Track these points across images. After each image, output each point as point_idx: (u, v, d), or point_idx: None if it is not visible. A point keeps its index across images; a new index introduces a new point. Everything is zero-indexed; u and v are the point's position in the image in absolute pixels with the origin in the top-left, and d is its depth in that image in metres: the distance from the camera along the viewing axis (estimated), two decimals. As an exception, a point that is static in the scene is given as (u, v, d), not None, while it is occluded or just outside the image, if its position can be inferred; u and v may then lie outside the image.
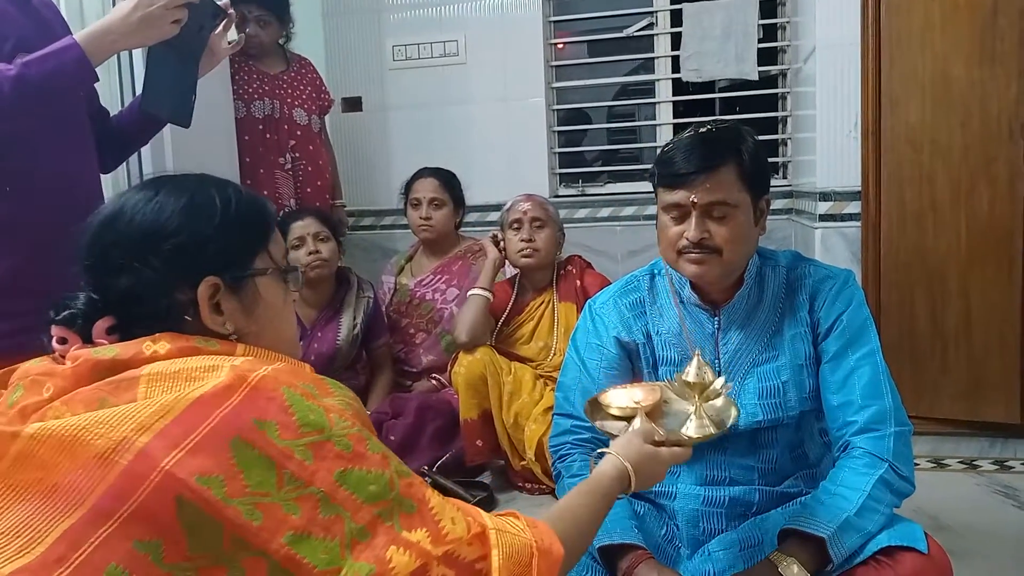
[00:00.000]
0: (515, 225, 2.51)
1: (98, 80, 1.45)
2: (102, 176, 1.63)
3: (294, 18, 2.92)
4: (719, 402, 1.21)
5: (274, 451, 0.71)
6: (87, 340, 0.82)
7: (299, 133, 2.89)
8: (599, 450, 1.11)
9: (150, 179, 0.90)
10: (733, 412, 1.20)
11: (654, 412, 1.20)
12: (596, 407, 1.25)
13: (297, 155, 2.88)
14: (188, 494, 0.68)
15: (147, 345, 0.79)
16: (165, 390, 0.74)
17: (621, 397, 1.24)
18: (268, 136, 2.83)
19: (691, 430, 1.17)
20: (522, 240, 2.48)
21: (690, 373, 1.19)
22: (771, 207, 1.44)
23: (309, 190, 2.91)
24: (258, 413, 0.72)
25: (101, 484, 0.68)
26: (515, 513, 0.88)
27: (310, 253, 2.49)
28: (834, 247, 2.61)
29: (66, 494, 0.68)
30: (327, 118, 3.14)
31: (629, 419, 1.19)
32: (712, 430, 1.17)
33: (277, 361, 0.82)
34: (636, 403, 1.20)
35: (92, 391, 0.74)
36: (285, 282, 0.92)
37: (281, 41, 2.94)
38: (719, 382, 1.19)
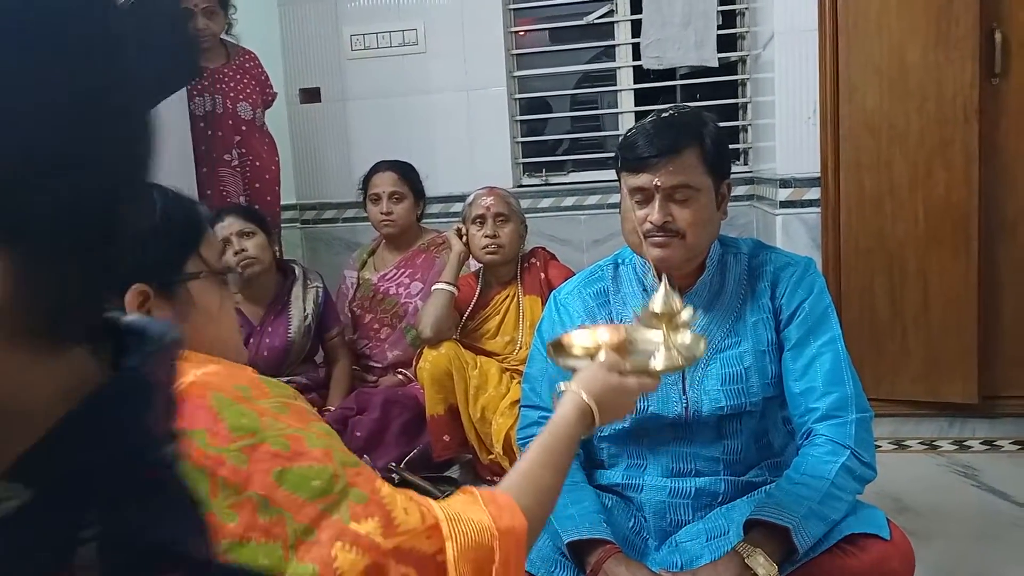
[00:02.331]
0: (478, 220, 2.47)
1: None
2: None
3: (235, 6, 2.86)
4: (687, 338, 1.14)
5: (204, 459, 0.67)
6: None
7: (244, 128, 2.83)
8: (559, 385, 1.05)
9: None
10: (702, 346, 1.14)
11: (620, 350, 1.13)
12: (559, 348, 1.19)
13: (244, 151, 2.82)
14: None
15: None
16: None
17: (584, 337, 1.19)
18: (210, 133, 2.76)
19: (659, 362, 1.11)
20: (486, 236, 2.45)
21: (656, 302, 1.14)
22: (732, 193, 1.44)
23: (258, 185, 2.86)
24: (185, 423, 0.67)
25: None
26: (469, 490, 0.84)
27: (236, 253, 2.38)
28: (795, 233, 2.63)
29: None
30: (285, 108, 3.08)
31: (594, 357, 1.11)
32: (680, 361, 1.12)
33: (210, 364, 0.77)
34: (600, 341, 1.15)
35: None
36: (222, 285, 0.89)
37: (223, 33, 2.88)
38: (687, 312, 1.14)
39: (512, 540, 0.79)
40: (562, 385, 1.05)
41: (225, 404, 0.70)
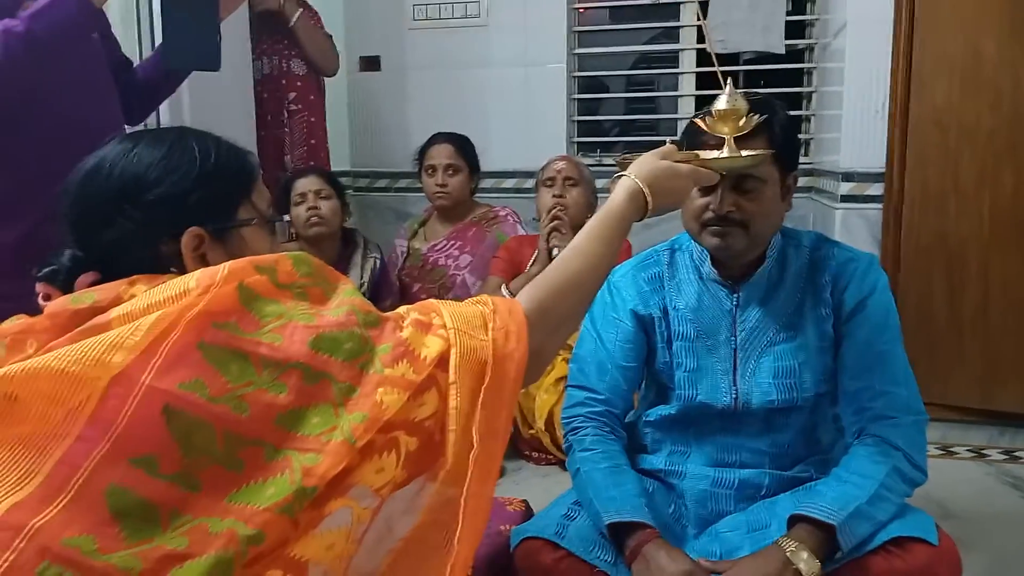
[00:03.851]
0: (548, 183, 2.55)
1: (106, 22, 1.42)
2: (130, 128, 1.62)
3: None
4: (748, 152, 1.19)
5: (242, 342, 0.73)
6: None
7: (299, 84, 2.87)
8: (615, 176, 1.09)
9: (130, 133, 0.90)
10: (764, 150, 1.19)
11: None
12: (623, 166, 1.17)
13: (299, 106, 2.85)
14: (175, 402, 0.69)
15: (124, 289, 0.79)
16: None
17: None
18: (266, 96, 2.81)
19: (723, 153, 1.15)
20: (554, 196, 2.50)
21: (721, 100, 1.17)
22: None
23: (313, 141, 2.89)
24: (215, 317, 0.73)
25: (85, 407, 0.68)
26: (485, 302, 0.88)
27: (309, 209, 2.49)
28: (854, 228, 2.58)
29: (52, 425, 0.68)
30: (345, 76, 3.10)
31: None
32: (741, 155, 1.15)
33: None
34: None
35: (66, 341, 0.73)
36: (272, 232, 0.94)
37: None
38: (755, 118, 1.18)
39: (510, 366, 0.83)
40: (619, 173, 1.08)
41: (250, 297, 0.76)
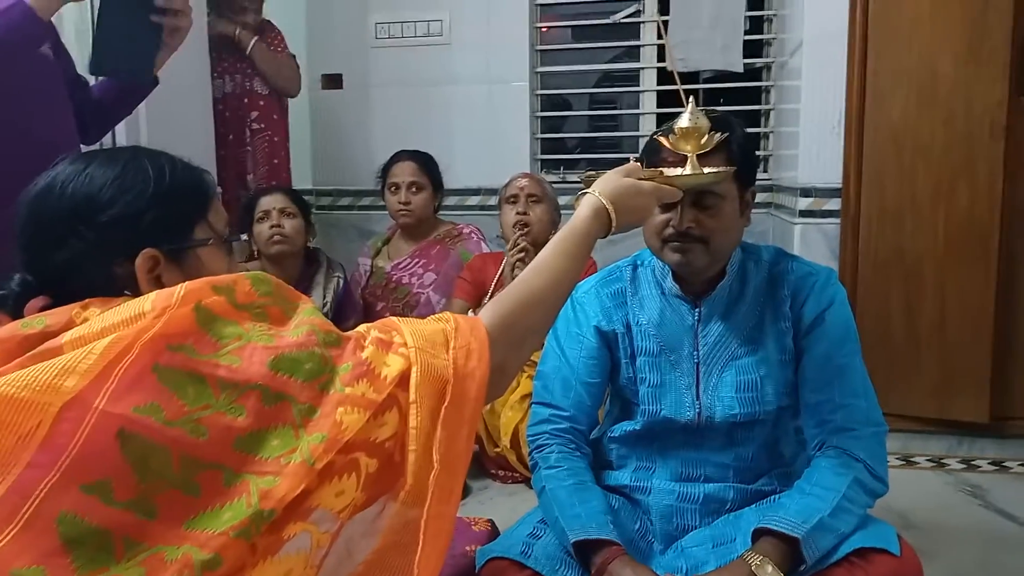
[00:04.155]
0: (511, 200, 2.55)
1: (53, 32, 1.39)
2: (85, 148, 1.59)
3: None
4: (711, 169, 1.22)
5: (199, 365, 0.72)
6: None
7: (261, 103, 2.86)
8: (579, 193, 1.10)
9: (83, 153, 0.89)
10: (725, 170, 1.22)
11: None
12: (589, 182, 1.20)
13: (262, 125, 2.84)
14: (130, 426, 0.68)
15: (77, 312, 0.77)
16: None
17: None
18: (228, 115, 2.79)
19: (686, 171, 1.18)
20: (517, 213, 2.51)
21: (684, 119, 1.20)
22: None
23: (276, 161, 2.88)
24: (171, 339, 0.72)
25: (37, 434, 0.66)
26: (446, 317, 0.87)
27: (272, 227, 2.45)
28: (813, 243, 2.61)
29: (2, 453, 0.66)
30: (307, 93, 3.08)
31: None
32: (704, 172, 1.17)
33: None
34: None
35: (16, 366, 0.71)
36: (230, 252, 0.92)
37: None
38: (716, 136, 1.21)
39: (471, 385, 0.83)
40: (582, 191, 1.10)
41: (207, 318, 0.74)
